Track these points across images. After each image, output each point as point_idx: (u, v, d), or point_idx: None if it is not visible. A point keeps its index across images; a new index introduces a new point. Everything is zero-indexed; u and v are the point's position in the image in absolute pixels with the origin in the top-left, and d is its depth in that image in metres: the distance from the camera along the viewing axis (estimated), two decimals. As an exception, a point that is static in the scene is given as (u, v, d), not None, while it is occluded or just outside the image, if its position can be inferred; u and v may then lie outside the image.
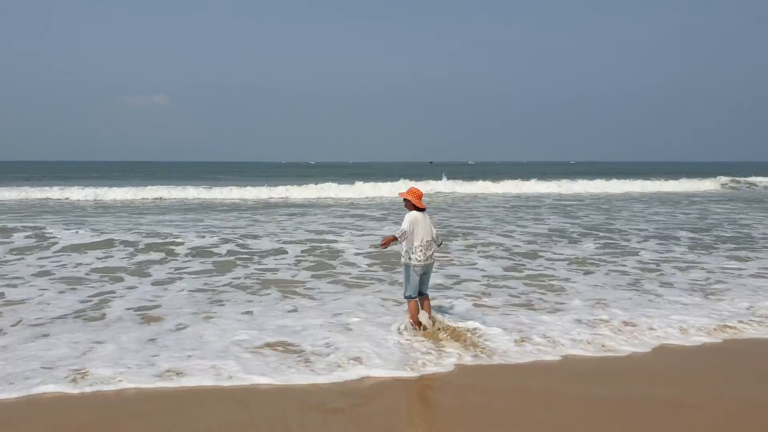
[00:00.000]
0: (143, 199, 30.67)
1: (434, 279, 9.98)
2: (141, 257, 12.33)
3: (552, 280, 10.28)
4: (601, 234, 16.57)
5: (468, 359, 6.33)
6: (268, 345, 6.70)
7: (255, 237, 15.08)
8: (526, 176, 49.71)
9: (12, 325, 7.46)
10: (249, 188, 33.73)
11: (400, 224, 6.73)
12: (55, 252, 12.79)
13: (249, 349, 6.54)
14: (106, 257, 12.30)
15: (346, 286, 9.85)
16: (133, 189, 32.41)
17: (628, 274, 10.78)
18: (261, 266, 11.47)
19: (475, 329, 7.06)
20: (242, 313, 8.06)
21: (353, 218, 21.13)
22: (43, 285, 9.68)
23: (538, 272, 10.98)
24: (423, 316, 6.95)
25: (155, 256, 12.48)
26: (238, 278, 10.40)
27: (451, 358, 6.33)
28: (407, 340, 6.81)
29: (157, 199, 30.79)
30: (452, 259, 12.27)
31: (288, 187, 34.66)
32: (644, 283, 10.01)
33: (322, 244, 13.90)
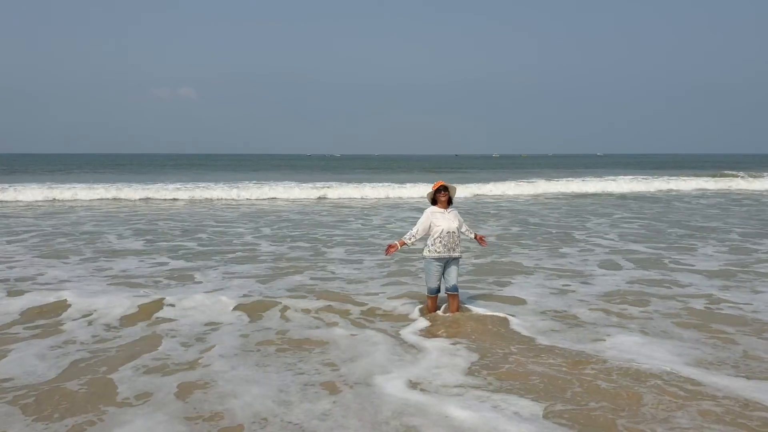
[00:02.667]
0: (307, 199, 24.66)
1: (561, 300, 7.25)
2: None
3: (733, 306, 7.11)
4: (701, 233, 13.62)
5: None
6: None
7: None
8: (560, 169, 46.41)
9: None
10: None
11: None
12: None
13: None
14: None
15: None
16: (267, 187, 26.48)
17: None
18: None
19: None
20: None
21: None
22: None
23: (695, 290, 7.91)
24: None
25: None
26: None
27: None
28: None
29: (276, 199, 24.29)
30: (564, 270, 9.34)
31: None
32: None
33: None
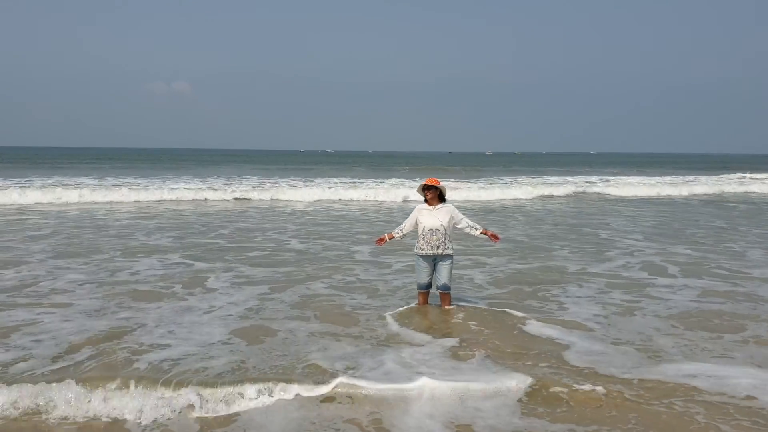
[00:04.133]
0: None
1: (627, 318, 5.98)
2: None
3: None
4: (719, 233, 12.87)
5: None
6: None
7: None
8: (557, 167, 45.60)
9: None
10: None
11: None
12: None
13: None
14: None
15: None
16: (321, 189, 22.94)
17: None
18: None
19: None
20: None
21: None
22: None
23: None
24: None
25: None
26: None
27: None
28: None
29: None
30: (615, 276, 8.30)
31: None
32: None
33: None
